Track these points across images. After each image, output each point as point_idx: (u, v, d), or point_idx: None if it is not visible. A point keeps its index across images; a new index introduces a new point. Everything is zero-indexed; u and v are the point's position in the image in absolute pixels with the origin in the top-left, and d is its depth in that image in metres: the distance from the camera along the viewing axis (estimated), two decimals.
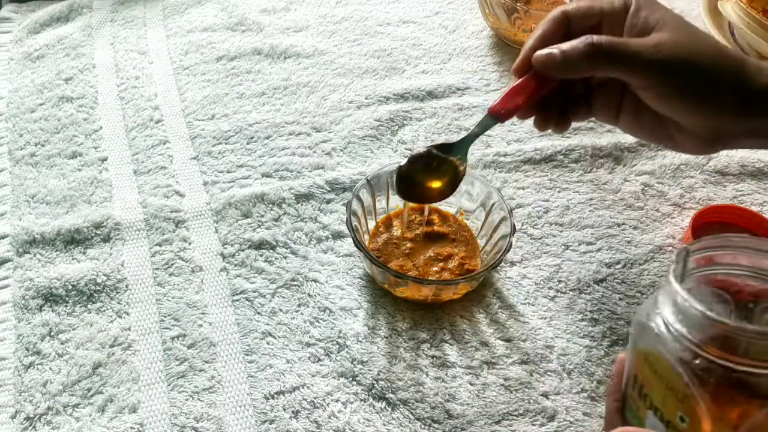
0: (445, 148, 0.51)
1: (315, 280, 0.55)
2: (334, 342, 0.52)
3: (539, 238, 0.60)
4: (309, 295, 0.55)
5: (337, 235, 0.59)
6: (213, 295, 0.54)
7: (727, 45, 0.79)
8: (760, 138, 0.46)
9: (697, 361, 0.30)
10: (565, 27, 0.48)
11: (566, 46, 0.45)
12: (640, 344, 0.34)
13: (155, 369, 0.50)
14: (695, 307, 0.30)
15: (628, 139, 0.69)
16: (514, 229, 0.53)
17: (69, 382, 0.48)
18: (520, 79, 0.48)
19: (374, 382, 0.49)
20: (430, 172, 0.51)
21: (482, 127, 0.51)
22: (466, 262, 0.55)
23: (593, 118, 0.51)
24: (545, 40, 0.48)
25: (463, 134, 0.53)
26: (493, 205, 0.56)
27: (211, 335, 0.52)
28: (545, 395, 0.49)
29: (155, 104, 0.70)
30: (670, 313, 0.32)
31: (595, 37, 0.45)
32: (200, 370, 0.50)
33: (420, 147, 0.56)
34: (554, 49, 0.46)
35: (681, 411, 0.31)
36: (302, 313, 0.53)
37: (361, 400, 0.48)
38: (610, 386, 0.38)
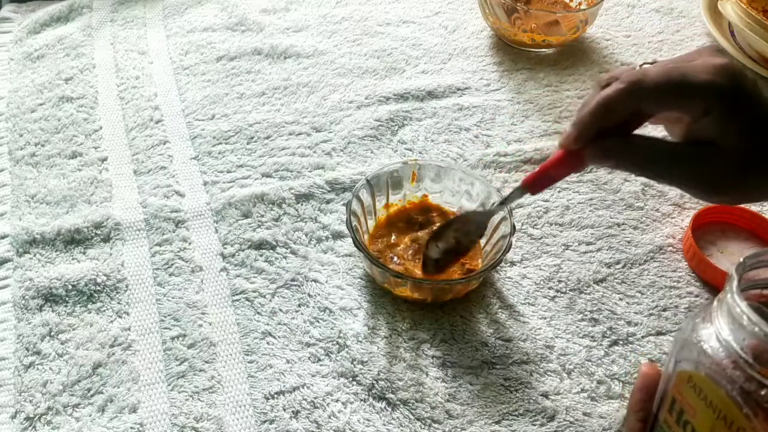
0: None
1: (315, 280, 0.55)
2: (334, 342, 0.52)
3: (539, 238, 0.60)
4: (309, 295, 0.55)
5: (337, 235, 0.59)
6: (213, 295, 0.54)
7: (729, 46, 0.80)
8: None
9: (763, 392, 0.27)
10: (632, 106, 0.43)
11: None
12: (684, 366, 0.30)
13: (155, 369, 0.50)
14: (765, 330, 0.26)
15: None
16: (514, 229, 0.53)
17: (69, 382, 0.48)
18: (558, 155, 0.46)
19: (374, 382, 0.49)
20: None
21: (512, 198, 0.50)
22: (467, 262, 0.55)
23: None
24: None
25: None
26: (493, 205, 0.56)
27: (211, 335, 0.52)
28: (545, 395, 0.49)
29: (155, 104, 0.70)
30: (729, 334, 0.28)
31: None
32: (200, 370, 0.50)
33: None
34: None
35: None
36: (302, 313, 0.53)
37: (361, 400, 0.48)
38: (633, 402, 0.36)
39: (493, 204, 0.54)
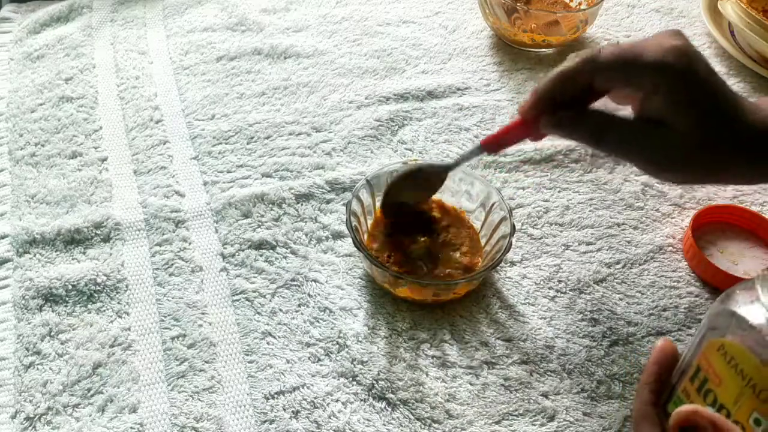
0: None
1: (315, 280, 0.55)
2: (334, 342, 0.52)
3: (539, 238, 0.60)
4: (309, 295, 0.55)
5: (337, 235, 0.59)
6: (213, 295, 0.54)
7: (730, 47, 0.80)
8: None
9: None
10: (587, 78, 0.45)
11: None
12: (716, 335, 0.30)
13: (155, 369, 0.50)
14: None
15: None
16: (514, 229, 0.53)
17: (69, 382, 0.48)
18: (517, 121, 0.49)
19: (374, 382, 0.49)
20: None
21: (470, 155, 0.52)
22: (467, 258, 0.55)
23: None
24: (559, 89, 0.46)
25: (452, 158, 0.56)
26: (493, 205, 0.56)
27: (211, 335, 0.52)
28: (545, 395, 0.49)
29: (155, 104, 0.70)
30: None
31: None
32: (200, 370, 0.50)
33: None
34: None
35: (759, 413, 0.28)
36: (302, 313, 0.53)
37: (361, 400, 0.48)
38: (646, 375, 0.36)
39: (453, 161, 0.54)
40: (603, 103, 0.47)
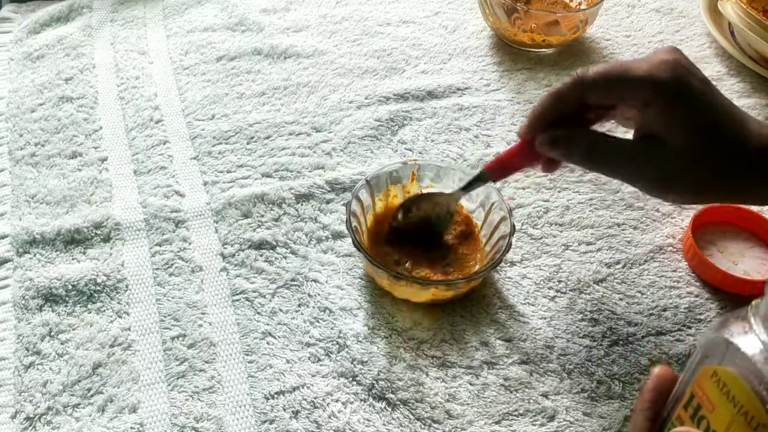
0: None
1: (315, 280, 0.55)
2: (334, 342, 0.52)
3: (539, 238, 0.60)
4: (309, 295, 0.55)
5: (337, 235, 0.59)
6: (213, 295, 0.54)
7: (730, 47, 0.80)
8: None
9: None
10: (578, 96, 0.46)
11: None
12: (712, 362, 0.31)
13: (155, 369, 0.50)
14: None
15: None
16: (513, 229, 0.53)
17: (69, 382, 0.48)
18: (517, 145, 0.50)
19: (374, 382, 0.49)
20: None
21: (474, 183, 0.54)
22: (468, 254, 0.55)
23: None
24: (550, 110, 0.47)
25: (457, 185, 0.56)
26: (493, 205, 0.56)
27: (211, 335, 0.52)
28: (545, 395, 0.49)
29: (155, 104, 0.70)
30: (763, 331, 0.29)
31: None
32: (200, 370, 0.50)
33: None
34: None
35: None
36: (302, 313, 0.53)
37: (361, 400, 0.48)
38: (642, 401, 0.36)
39: (456, 190, 0.55)
40: (608, 129, 0.48)
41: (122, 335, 0.51)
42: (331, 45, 0.79)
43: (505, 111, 0.72)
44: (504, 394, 0.49)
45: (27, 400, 0.47)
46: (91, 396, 0.48)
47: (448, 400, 0.49)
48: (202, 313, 0.53)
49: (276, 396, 0.48)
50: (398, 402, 0.48)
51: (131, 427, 0.46)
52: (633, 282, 0.57)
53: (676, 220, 0.62)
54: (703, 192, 0.45)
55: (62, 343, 0.50)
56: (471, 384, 0.50)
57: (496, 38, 0.82)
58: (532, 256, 0.58)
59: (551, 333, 0.53)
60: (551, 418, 0.48)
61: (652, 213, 0.63)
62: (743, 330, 0.30)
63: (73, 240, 0.57)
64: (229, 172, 0.64)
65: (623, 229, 0.61)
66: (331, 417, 0.47)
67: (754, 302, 0.31)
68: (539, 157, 0.49)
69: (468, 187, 0.54)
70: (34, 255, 0.56)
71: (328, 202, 0.61)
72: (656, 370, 0.36)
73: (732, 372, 0.29)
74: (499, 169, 0.52)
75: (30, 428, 0.46)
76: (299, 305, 0.54)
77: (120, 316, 0.52)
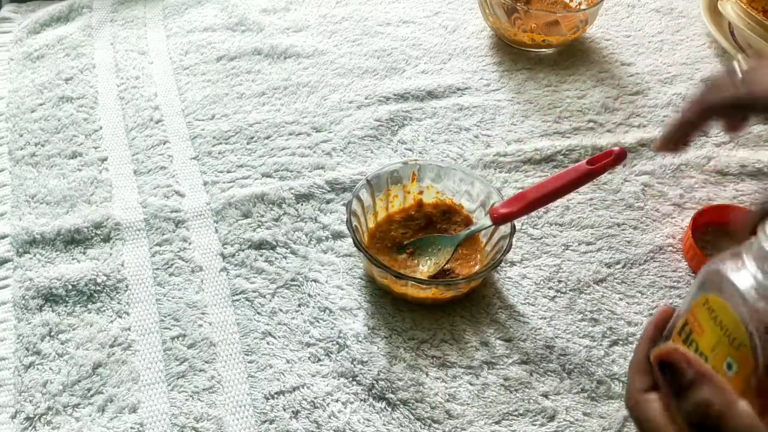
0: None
1: (315, 280, 0.55)
2: (334, 342, 0.52)
3: (539, 238, 0.60)
4: (309, 295, 0.55)
5: (337, 235, 0.59)
6: (213, 295, 0.54)
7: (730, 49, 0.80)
8: None
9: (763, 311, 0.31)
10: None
11: None
12: (706, 293, 0.34)
13: (155, 369, 0.50)
14: None
15: (628, 139, 0.69)
16: (514, 229, 0.53)
17: (69, 382, 0.48)
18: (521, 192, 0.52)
19: (374, 382, 0.49)
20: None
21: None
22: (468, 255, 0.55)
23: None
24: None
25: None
26: (493, 205, 0.56)
27: (211, 335, 0.52)
28: (545, 395, 0.49)
29: (155, 104, 0.70)
30: (758, 269, 0.32)
31: None
32: (200, 370, 0.50)
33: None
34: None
35: (732, 358, 0.32)
36: (302, 313, 0.53)
37: (361, 400, 0.48)
38: (646, 332, 0.38)
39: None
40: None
41: (122, 335, 0.51)
42: (331, 45, 0.79)
43: (505, 111, 0.72)
44: (504, 394, 0.49)
45: (27, 400, 0.47)
46: (91, 396, 0.48)
47: (448, 400, 0.49)
48: (202, 313, 0.53)
49: (276, 396, 0.48)
50: (398, 402, 0.48)
51: (131, 427, 0.46)
52: (633, 282, 0.57)
53: (676, 220, 0.62)
54: None
55: (62, 343, 0.50)
56: (471, 384, 0.50)
57: (496, 38, 0.82)
58: (532, 256, 0.58)
59: (551, 333, 0.53)
60: (551, 418, 0.48)
61: (652, 213, 0.63)
62: (737, 266, 0.33)
63: (73, 240, 0.57)
64: (229, 172, 0.64)
65: (623, 229, 0.61)
66: (331, 417, 0.47)
67: (747, 242, 0.34)
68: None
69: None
70: (34, 255, 0.56)
71: (328, 202, 0.61)
72: (662, 308, 0.39)
73: (722, 301, 0.33)
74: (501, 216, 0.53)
75: (30, 428, 0.46)
76: (299, 305, 0.54)
77: (120, 316, 0.52)
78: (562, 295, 0.56)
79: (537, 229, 0.60)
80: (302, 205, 0.61)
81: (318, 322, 0.53)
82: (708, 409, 0.31)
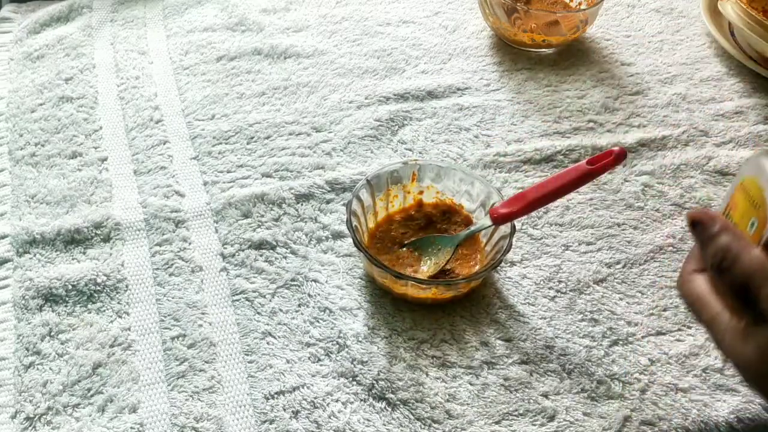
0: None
1: (315, 280, 0.55)
2: (334, 342, 0.52)
3: (539, 238, 0.60)
4: (309, 295, 0.55)
5: (337, 235, 0.59)
6: (213, 295, 0.54)
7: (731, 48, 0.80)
8: None
9: None
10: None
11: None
12: (743, 175, 0.39)
13: (155, 369, 0.50)
14: None
15: (628, 139, 0.69)
16: (514, 229, 0.53)
17: (69, 382, 0.48)
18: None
19: (374, 382, 0.49)
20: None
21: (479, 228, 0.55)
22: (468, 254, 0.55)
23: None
24: None
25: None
26: (493, 205, 0.56)
27: (211, 335, 0.52)
28: (545, 395, 0.49)
29: (155, 104, 0.70)
30: None
31: None
32: (200, 370, 0.50)
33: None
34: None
35: (755, 217, 0.36)
36: (302, 313, 0.53)
37: (361, 400, 0.48)
38: (691, 253, 0.40)
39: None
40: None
41: (122, 335, 0.51)
42: (331, 45, 0.79)
43: (505, 111, 0.72)
44: (504, 394, 0.49)
45: (27, 400, 0.47)
46: (91, 396, 0.48)
47: (448, 400, 0.49)
48: (202, 313, 0.53)
49: (276, 396, 0.48)
50: (398, 402, 0.48)
51: (131, 427, 0.46)
52: (633, 282, 0.57)
53: (676, 220, 0.62)
54: None
55: (62, 343, 0.50)
56: (471, 384, 0.50)
57: (496, 38, 0.82)
58: (532, 256, 0.58)
59: (551, 333, 0.53)
60: (551, 418, 0.48)
61: (652, 213, 0.63)
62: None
63: (73, 240, 0.57)
64: (229, 172, 0.64)
65: (623, 229, 0.61)
66: (331, 417, 0.47)
67: None
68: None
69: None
70: (34, 255, 0.56)
71: (328, 202, 0.61)
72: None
73: (753, 178, 0.37)
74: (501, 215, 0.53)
75: (30, 428, 0.46)
76: (299, 305, 0.54)
77: (120, 316, 0.52)
78: (562, 295, 0.56)
79: (537, 229, 0.60)
80: (302, 205, 0.61)
81: (318, 322, 0.53)
82: (726, 253, 0.34)
